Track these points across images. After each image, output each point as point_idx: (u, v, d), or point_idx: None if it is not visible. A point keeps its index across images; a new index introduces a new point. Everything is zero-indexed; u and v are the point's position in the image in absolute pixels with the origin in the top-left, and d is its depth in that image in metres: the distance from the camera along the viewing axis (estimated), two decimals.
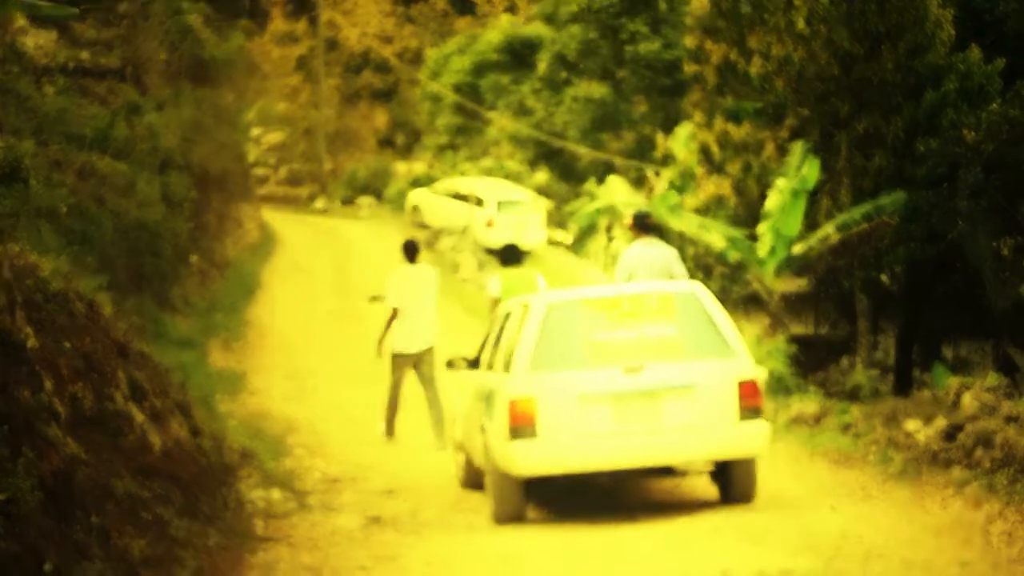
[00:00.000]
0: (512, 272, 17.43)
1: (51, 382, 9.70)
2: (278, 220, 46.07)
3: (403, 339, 18.29)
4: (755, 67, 29.53)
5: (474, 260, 37.86)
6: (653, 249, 16.05)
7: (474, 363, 15.13)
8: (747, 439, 12.64)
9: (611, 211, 28.58)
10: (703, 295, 13.12)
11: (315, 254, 38.28)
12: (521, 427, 12.33)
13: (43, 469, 8.77)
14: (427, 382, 18.35)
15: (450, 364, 15.73)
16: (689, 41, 32.85)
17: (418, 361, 18.35)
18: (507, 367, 12.90)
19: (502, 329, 14.12)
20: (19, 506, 8.17)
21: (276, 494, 13.82)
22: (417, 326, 18.27)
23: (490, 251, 37.76)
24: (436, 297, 18.68)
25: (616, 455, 12.51)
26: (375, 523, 13.03)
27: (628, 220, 17.23)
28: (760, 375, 21.53)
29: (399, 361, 18.38)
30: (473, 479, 14.97)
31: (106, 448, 10.23)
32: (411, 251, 18.91)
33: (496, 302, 16.75)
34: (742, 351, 12.85)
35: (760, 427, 12.73)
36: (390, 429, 18.62)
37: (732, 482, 13.06)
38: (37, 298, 10.43)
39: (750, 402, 12.59)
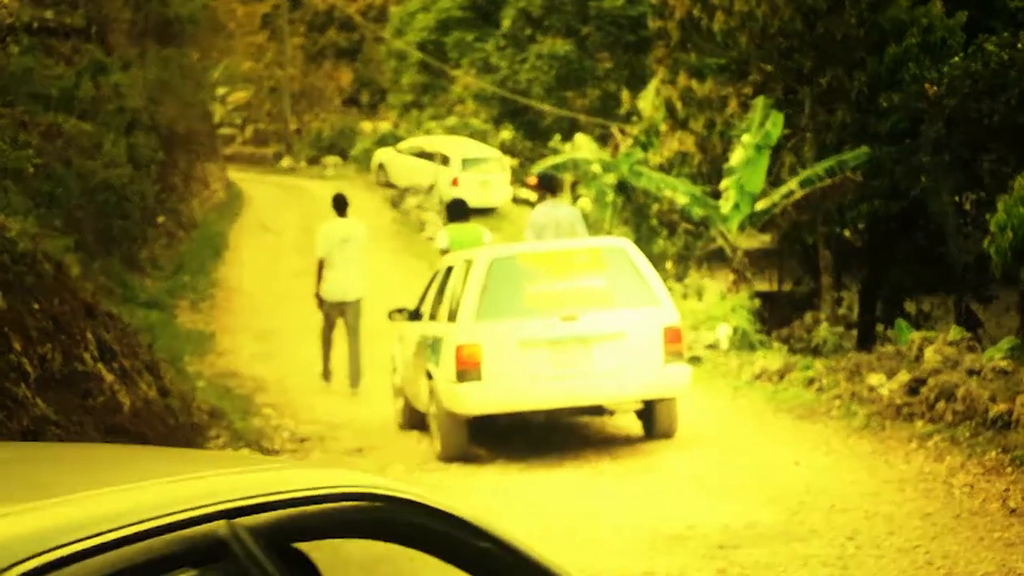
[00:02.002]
0: (459, 227, 18.10)
1: (20, 343, 9.77)
2: (245, 180, 45.68)
3: (329, 287, 18.98)
4: (718, 22, 29.58)
5: (439, 219, 37.87)
6: (560, 209, 17.29)
7: (415, 314, 16.16)
8: (671, 380, 13.76)
9: (574, 167, 28.57)
10: (631, 250, 14.27)
11: (282, 214, 38.07)
12: (467, 371, 13.44)
13: (12, 429, 8.84)
14: (351, 330, 19.11)
15: (392, 315, 16.87)
16: None
17: (344, 310, 19.06)
18: (453, 317, 13.91)
19: (444, 282, 15.14)
20: None
21: (245, 453, 13.77)
22: (343, 276, 18.97)
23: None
24: (364, 251, 19.40)
25: (553, 395, 13.62)
26: None
27: (533, 180, 18.02)
28: (726, 331, 22.03)
29: (326, 307, 19.16)
30: (412, 421, 16.08)
31: (76, 408, 10.30)
32: (339, 205, 19.70)
33: (445, 254, 17.50)
34: (667, 300, 13.94)
35: (682, 369, 13.85)
36: (326, 372, 19.57)
37: (656, 420, 14.21)
38: (4, 259, 10.46)
39: (674, 347, 13.66)
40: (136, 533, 2.32)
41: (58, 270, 11.72)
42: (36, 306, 10.47)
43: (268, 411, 17.44)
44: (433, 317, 15.09)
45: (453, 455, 13.87)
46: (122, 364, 11.92)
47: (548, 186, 17.78)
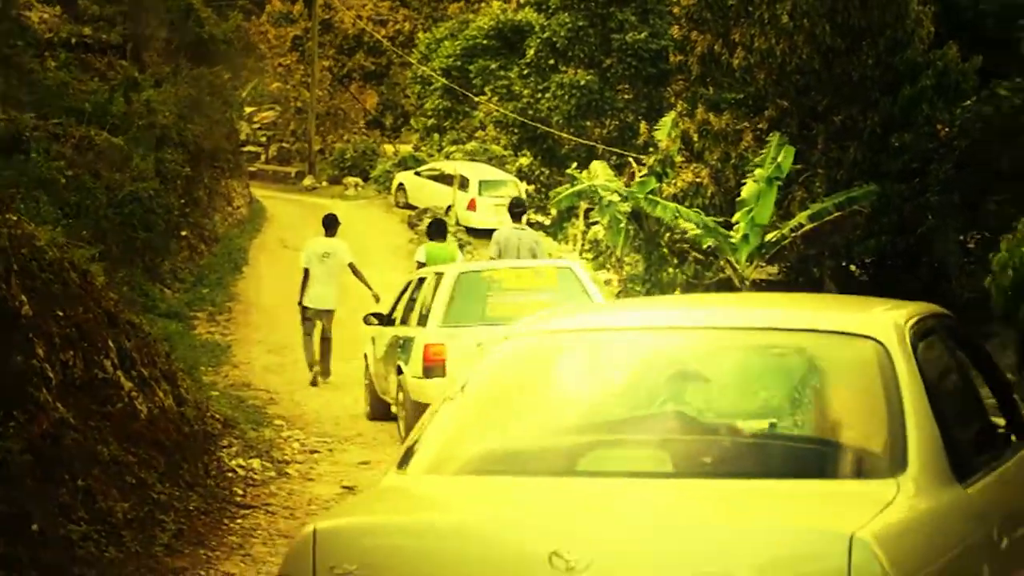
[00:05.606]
0: (436, 244, 19.94)
1: (43, 349, 9.96)
2: (267, 197, 45.36)
3: (310, 297, 21.05)
4: (738, 59, 30.06)
5: (456, 241, 38.13)
6: (521, 232, 19.08)
7: (387, 319, 18.10)
8: None
9: (590, 195, 28.75)
10: (579, 269, 16.63)
11: (301, 232, 37.51)
12: (433, 367, 15.37)
13: (32, 432, 9.08)
14: (324, 334, 21.20)
15: (366, 320, 18.72)
16: (675, 31, 33.21)
17: (322, 317, 21.09)
18: (423, 322, 15.98)
19: (415, 292, 17.25)
20: (8, 468, 8.53)
21: (256, 463, 14.21)
22: (323, 288, 21.04)
23: (470, 231, 38.24)
24: (343, 268, 21.31)
25: None
26: (350, 492, 13.24)
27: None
28: None
29: (306, 313, 21.13)
30: (378, 412, 18.17)
31: (94, 414, 10.48)
32: (328, 225, 21.80)
33: (420, 267, 19.13)
34: None
35: None
36: (312, 374, 21.14)
37: None
38: (33, 267, 10.60)
39: None
40: (923, 315, 5.48)
41: (83, 279, 11.84)
42: (61, 313, 10.58)
43: (279, 422, 17.49)
44: (404, 322, 17.14)
45: None
46: (141, 372, 12.01)
47: (513, 213, 19.59)
